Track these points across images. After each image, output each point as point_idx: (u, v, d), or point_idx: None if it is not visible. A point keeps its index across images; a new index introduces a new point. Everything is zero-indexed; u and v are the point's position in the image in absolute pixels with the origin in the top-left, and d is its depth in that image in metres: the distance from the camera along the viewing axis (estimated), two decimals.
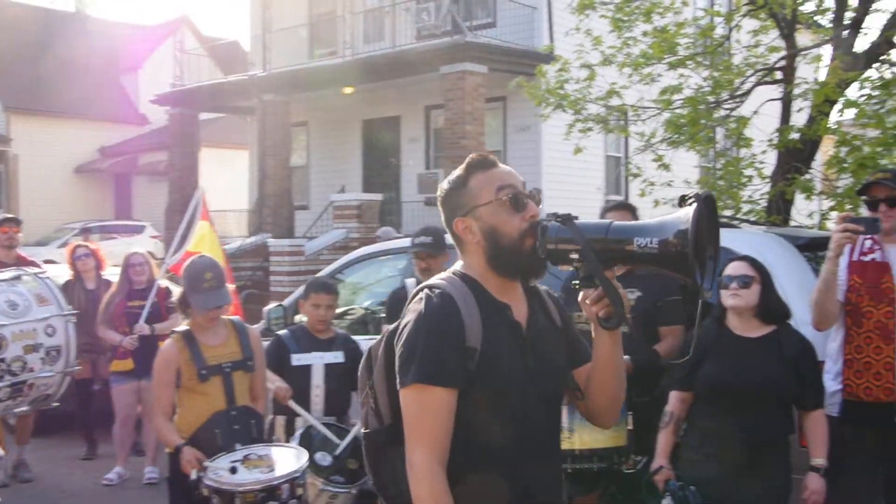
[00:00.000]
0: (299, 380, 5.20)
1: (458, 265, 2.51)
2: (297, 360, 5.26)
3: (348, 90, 18.46)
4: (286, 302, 6.61)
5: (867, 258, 4.23)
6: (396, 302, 5.41)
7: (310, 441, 4.86)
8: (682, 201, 2.22)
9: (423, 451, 2.28)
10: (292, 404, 5.08)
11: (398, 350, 2.37)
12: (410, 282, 5.46)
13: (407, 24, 18.49)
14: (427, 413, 2.29)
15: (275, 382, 5.05)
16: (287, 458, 4.21)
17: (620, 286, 2.29)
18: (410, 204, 18.15)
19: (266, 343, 5.21)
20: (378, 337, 2.60)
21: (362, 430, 2.59)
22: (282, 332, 5.52)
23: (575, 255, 2.28)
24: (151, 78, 30.02)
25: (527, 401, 2.40)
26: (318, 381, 5.24)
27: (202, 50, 26.32)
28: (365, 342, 5.67)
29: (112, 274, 7.96)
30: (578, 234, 2.27)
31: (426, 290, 2.41)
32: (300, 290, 6.45)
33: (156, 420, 4.54)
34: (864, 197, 4.33)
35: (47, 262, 11.74)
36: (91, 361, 7.63)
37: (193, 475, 4.09)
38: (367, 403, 2.55)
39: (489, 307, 2.39)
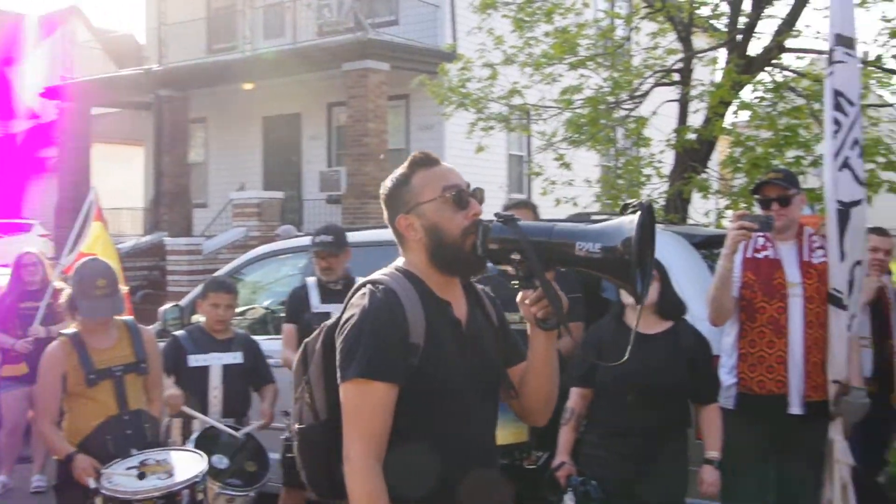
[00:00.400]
0: (197, 381, 5.11)
1: (398, 262, 2.52)
2: (195, 360, 5.16)
3: (248, 86, 18.21)
4: (183, 302, 6.48)
5: (760, 255, 4.37)
6: (297, 301, 5.39)
7: (207, 444, 4.74)
8: (625, 209, 2.25)
9: (361, 446, 2.28)
10: (186, 409, 4.98)
11: (340, 344, 2.37)
12: (311, 281, 5.42)
13: (308, 20, 18.32)
14: (366, 408, 2.29)
15: (168, 390, 4.91)
16: (186, 463, 4.12)
17: (558, 288, 2.30)
18: (312, 202, 18.00)
19: (162, 344, 5.10)
20: (309, 336, 2.61)
21: (297, 426, 2.54)
22: (178, 332, 5.42)
23: (516, 256, 2.28)
24: (39, 70, 29.03)
25: (467, 398, 2.42)
26: (216, 382, 5.16)
27: (94, 42, 25.58)
28: (265, 342, 5.67)
29: (1, 275, 7.70)
30: (521, 235, 2.28)
31: (369, 286, 2.43)
32: (198, 289, 6.34)
33: (43, 427, 4.34)
34: (757, 196, 4.47)
35: None
36: None
37: (92, 484, 3.97)
38: (301, 398, 2.53)
39: (431, 304, 2.40)
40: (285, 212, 17.53)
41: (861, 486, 4.67)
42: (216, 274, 6.49)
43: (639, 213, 2.19)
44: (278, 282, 6.88)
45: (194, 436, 4.84)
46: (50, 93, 21.87)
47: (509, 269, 2.33)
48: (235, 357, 5.24)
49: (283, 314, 5.69)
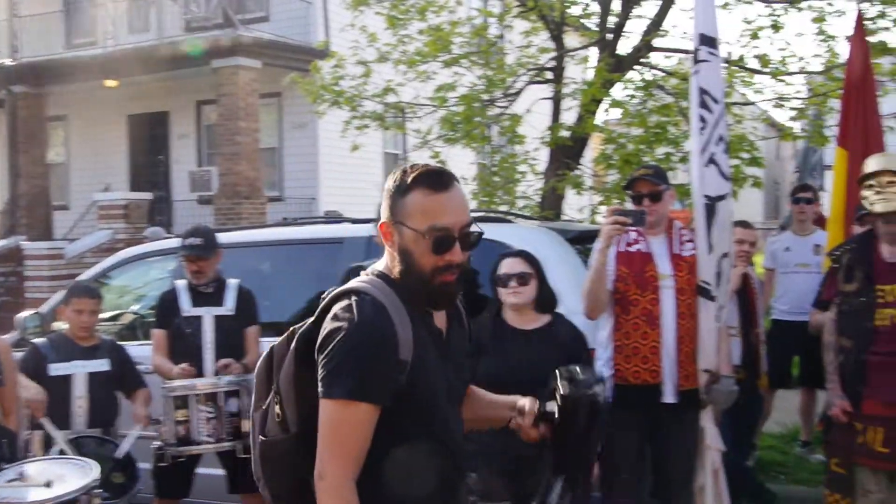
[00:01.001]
0: (59, 391, 4.93)
1: (378, 264, 2.43)
2: (56, 369, 5.01)
3: (111, 83, 17.64)
4: (43, 309, 6.28)
5: (633, 249, 4.49)
6: (166, 305, 5.29)
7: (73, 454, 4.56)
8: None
9: (338, 466, 2.21)
10: (46, 424, 4.77)
11: (324, 359, 2.24)
12: (181, 284, 5.31)
13: (175, 15, 17.89)
14: (348, 428, 2.22)
15: (29, 390, 4.74)
16: (70, 471, 3.94)
17: None
18: (182, 203, 17.60)
19: (21, 353, 4.94)
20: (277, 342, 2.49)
21: (261, 438, 2.44)
22: (39, 340, 5.24)
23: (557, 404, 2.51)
24: None
25: (447, 408, 2.40)
26: (80, 391, 5.02)
27: None
28: (135, 348, 5.53)
29: None
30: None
31: (355, 297, 2.30)
32: (59, 295, 6.19)
33: None
34: (629, 192, 4.60)
35: None
36: None
37: None
38: (268, 409, 2.43)
39: (415, 315, 2.33)
40: (154, 213, 17.12)
41: (731, 471, 4.88)
42: (80, 278, 6.30)
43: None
44: (147, 286, 6.73)
45: (56, 448, 4.68)
46: None
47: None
48: (101, 364, 5.11)
49: (152, 319, 5.58)
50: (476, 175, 9.95)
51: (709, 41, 4.58)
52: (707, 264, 4.46)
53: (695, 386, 4.43)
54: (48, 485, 3.78)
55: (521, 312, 4.25)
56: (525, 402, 2.60)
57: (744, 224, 5.97)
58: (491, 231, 5.23)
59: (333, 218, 6.76)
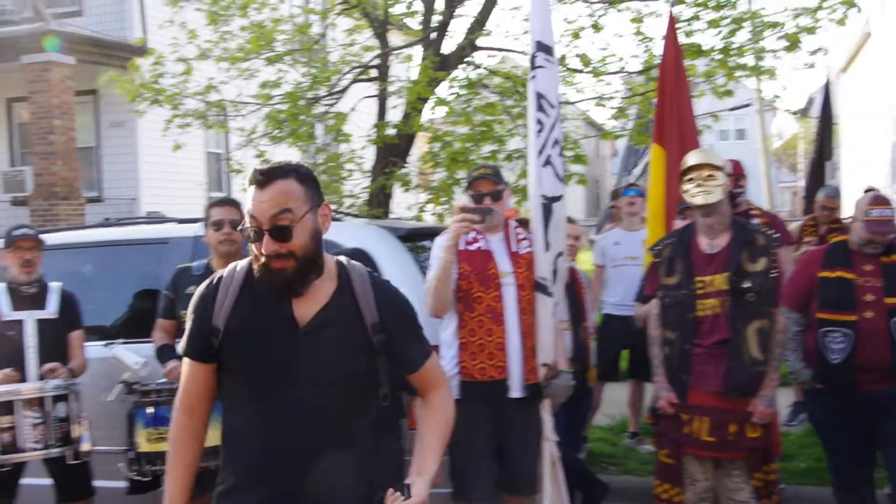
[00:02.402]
0: None
1: None
2: None
3: None
4: None
5: (473, 247, 4.42)
6: None
7: None
8: None
9: (177, 401, 2.67)
10: None
11: None
12: None
13: None
14: (183, 371, 2.66)
15: None
16: None
17: None
18: None
19: None
20: None
21: None
22: None
23: None
24: None
25: (284, 387, 2.48)
26: None
27: None
28: None
29: None
30: None
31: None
32: None
33: None
34: (469, 191, 4.51)
35: None
36: None
37: None
38: None
39: (261, 295, 2.52)
40: None
41: (566, 463, 4.85)
42: None
43: None
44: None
45: None
46: None
47: None
48: None
49: None
50: None
51: (545, 48, 4.67)
52: (544, 261, 4.50)
53: (538, 380, 4.44)
54: None
55: None
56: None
57: (568, 220, 5.93)
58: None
59: (157, 218, 6.34)
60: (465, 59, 8.52)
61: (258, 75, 9.08)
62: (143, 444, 4.40)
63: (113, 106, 15.59)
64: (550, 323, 4.49)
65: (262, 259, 2.45)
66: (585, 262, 8.75)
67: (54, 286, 5.04)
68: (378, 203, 8.34)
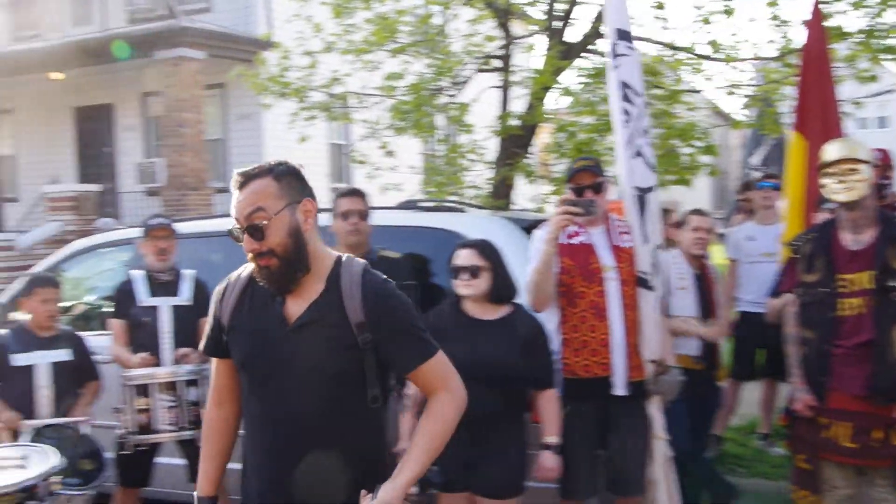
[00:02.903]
0: (22, 381, 4.79)
1: None
2: (18, 360, 4.86)
3: (56, 76, 16.95)
4: (1, 299, 6.11)
5: (574, 241, 4.30)
6: (123, 295, 5.12)
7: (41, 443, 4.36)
8: None
9: (209, 396, 2.86)
10: (24, 424, 4.63)
11: None
12: (137, 274, 5.15)
13: (118, 7, 17.27)
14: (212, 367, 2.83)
15: (2, 413, 4.72)
16: (33, 457, 3.84)
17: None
18: (130, 194, 16.98)
19: None
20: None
21: None
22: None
23: None
24: None
25: (279, 380, 2.58)
26: (43, 381, 4.87)
27: None
28: (92, 338, 5.29)
29: None
30: None
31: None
32: (14, 286, 6.09)
33: None
34: (570, 184, 4.39)
35: None
36: None
37: None
38: None
39: (263, 294, 2.64)
40: (102, 205, 16.48)
41: (690, 463, 4.79)
42: (35, 269, 6.16)
43: None
44: (101, 276, 6.56)
45: (27, 436, 4.54)
46: None
47: None
48: (62, 354, 4.95)
49: (106, 309, 5.43)
50: (424, 164, 9.62)
51: (625, 35, 4.54)
52: (643, 255, 4.36)
53: (643, 377, 4.29)
54: (10, 470, 3.74)
55: (478, 303, 4.02)
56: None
57: (699, 212, 5.73)
58: (444, 221, 5.07)
59: None
60: (590, 48, 8.32)
61: (382, 67, 9.08)
62: None
63: (240, 99, 15.98)
64: (655, 318, 4.32)
65: (253, 257, 2.55)
66: (716, 256, 8.43)
67: (188, 274, 5.18)
68: (501, 194, 8.25)
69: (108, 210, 16.67)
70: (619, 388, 4.19)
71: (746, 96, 8.19)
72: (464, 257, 3.99)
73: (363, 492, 2.46)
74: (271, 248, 2.51)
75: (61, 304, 5.26)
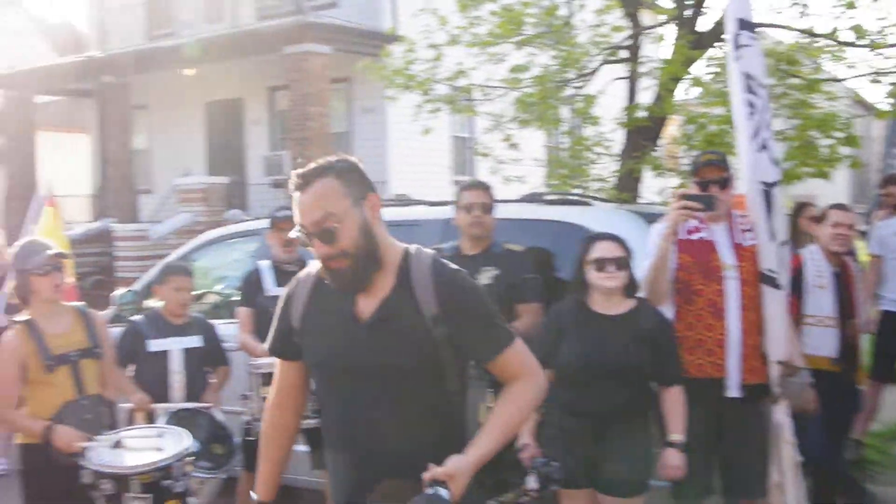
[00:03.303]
0: (157, 366, 4.93)
1: None
2: (155, 345, 4.98)
3: (189, 72, 17.56)
4: (136, 287, 6.24)
5: (694, 237, 4.17)
6: (250, 284, 5.22)
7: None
8: None
9: (269, 396, 2.80)
10: (158, 408, 4.76)
11: None
12: (264, 264, 5.24)
13: (247, 4, 17.76)
14: (276, 367, 2.78)
15: (135, 394, 4.80)
16: (168, 439, 3.93)
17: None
18: (257, 186, 17.48)
19: (118, 330, 4.93)
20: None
21: None
22: (136, 318, 5.23)
23: None
24: None
25: (351, 381, 2.52)
26: (177, 366, 4.99)
27: (34, 30, 24.58)
28: (221, 326, 5.40)
29: None
30: None
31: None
32: (150, 274, 6.28)
33: (6, 415, 4.15)
34: (695, 178, 4.26)
35: None
36: None
37: (82, 444, 3.83)
38: None
39: (325, 294, 2.57)
40: (230, 197, 16.99)
41: (825, 468, 4.70)
42: (168, 259, 6.31)
43: None
44: (229, 266, 6.73)
45: (161, 420, 4.63)
46: None
47: None
48: (194, 341, 5.09)
49: (236, 298, 5.52)
50: (548, 157, 9.52)
51: (747, 25, 4.34)
52: (770, 252, 4.16)
53: (759, 380, 4.12)
54: (145, 451, 3.82)
55: (608, 297, 3.95)
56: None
57: (840, 206, 5.46)
58: (569, 214, 4.98)
59: (407, 201, 6.45)
60: (723, 37, 8.04)
61: (507, 59, 9.00)
62: None
63: (365, 93, 16.21)
64: (782, 317, 4.14)
65: (324, 259, 2.47)
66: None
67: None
68: (627, 187, 8.09)
69: (236, 202, 17.20)
70: (733, 390, 4.07)
71: (892, 84, 7.74)
72: (608, 249, 3.92)
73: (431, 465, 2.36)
74: (345, 250, 2.42)
75: (193, 293, 5.39)
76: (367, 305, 2.51)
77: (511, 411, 2.52)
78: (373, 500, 2.44)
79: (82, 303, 4.57)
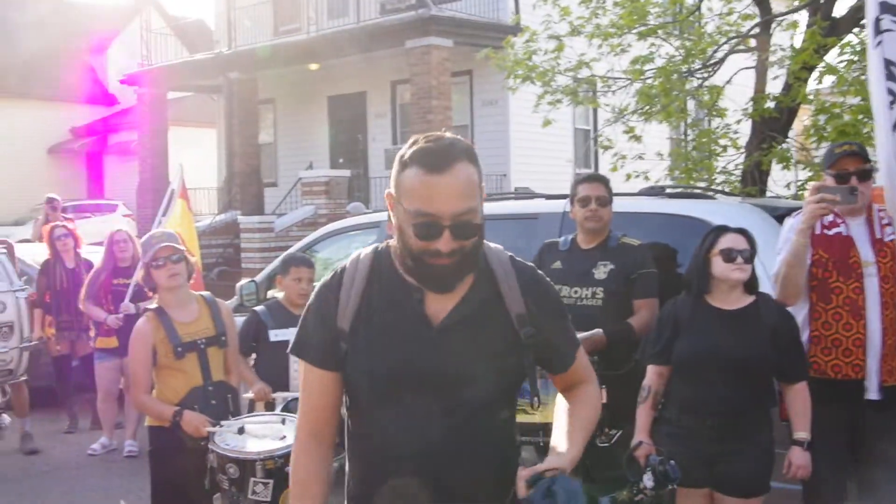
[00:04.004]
0: (278, 356, 4.93)
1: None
2: (276, 335, 5.04)
3: (314, 66, 17.95)
4: (259, 278, 6.44)
5: (831, 232, 3.96)
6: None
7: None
8: None
9: (300, 420, 2.29)
10: (277, 396, 4.83)
11: None
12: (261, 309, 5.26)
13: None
14: (303, 384, 2.27)
15: (255, 384, 4.90)
16: (287, 429, 3.97)
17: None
18: (378, 179, 17.74)
19: (240, 319, 5.04)
20: None
21: None
22: (258, 307, 5.29)
23: None
24: (120, 58, 29.32)
25: (411, 393, 2.14)
26: None
27: (168, 29, 25.58)
28: None
29: (90, 252, 8.05)
30: None
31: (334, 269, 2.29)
32: (273, 265, 6.39)
33: (139, 398, 4.36)
34: (830, 170, 4.03)
35: (22, 241, 11.49)
36: (70, 339, 7.73)
37: (210, 428, 3.99)
38: None
39: (391, 288, 2.19)
40: (352, 189, 17.30)
41: None
42: (291, 250, 6.41)
43: None
44: (349, 258, 6.75)
45: (279, 407, 4.69)
46: (129, 79, 21.95)
47: None
48: None
49: None
50: (672, 150, 9.35)
51: (890, 8, 4.08)
52: None
53: None
54: (268, 438, 3.89)
55: (729, 292, 3.85)
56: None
57: None
58: (693, 208, 4.89)
59: (527, 194, 6.44)
60: (861, 22, 7.73)
61: (629, 50, 8.90)
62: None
63: (486, 85, 16.26)
64: None
65: (421, 254, 2.08)
66: None
67: None
68: (753, 180, 7.88)
69: (357, 194, 17.50)
70: (873, 393, 3.88)
71: None
72: (735, 241, 3.84)
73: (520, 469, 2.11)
74: (471, 247, 2.11)
75: (314, 283, 5.52)
76: (438, 305, 2.17)
77: (591, 417, 2.29)
78: None
79: (209, 292, 4.73)
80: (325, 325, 2.19)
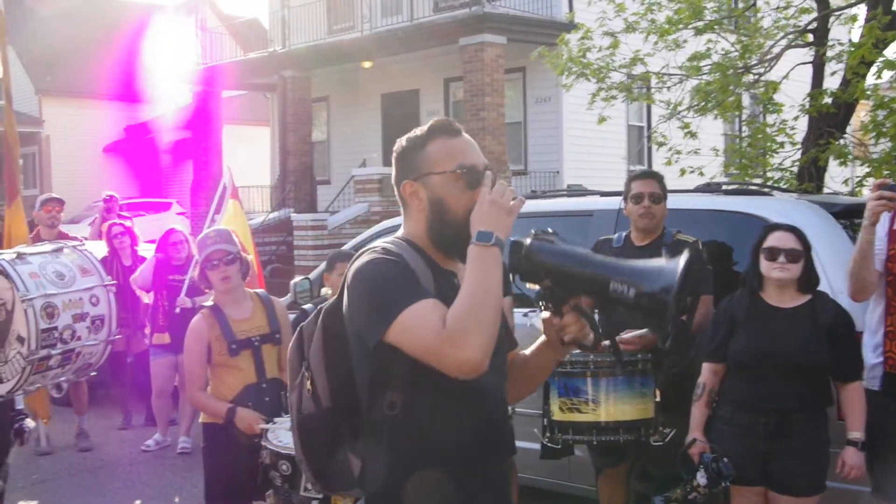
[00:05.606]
0: None
1: (399, 232, 2.35)
2: None
3: (367, 64, 18.10)
4: (312, 275, 6.52)
5: None
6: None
7: None
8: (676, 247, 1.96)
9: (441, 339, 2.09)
10: None
11: (351, 314, 2.20)
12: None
13: None
14: (423, 321, 2.06)
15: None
16: None
17: (588, 311, 2.20)
18: None
19: (292, 316, 5.07)
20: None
21: (296, 414, 2.40)
22: (307, 306, 5.37)
23: (546, 281, 2.16)
24: (175, 57, 29.76)
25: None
26: None
27: (223, 28, 25.93)
28: None
29: (146, 250, 8.22)
30: (555, 259, 2.15)
31: (372, 251, 2.24)
32: (325, 264, 6.38)
33: (194, 395, 4.46)
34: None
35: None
36: (126, 336, 7.79)
37: (262, 425, 4.07)
38: (300, 386, 2.39)
39: (437, 273, 2.25)
40: None
41: None
42: (342, 248, 6.49)
43: (684, 260, 2.03)
44: (373, 251, 6.81)
45: None
46: (184, 79, 22.33)
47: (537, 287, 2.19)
48: None
49: None
50: (727, 146, 9.29)
51: None
52: None
53: None
54: None
55: (782, 290, 3.89)
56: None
57: None
58: (748, 204, 4.91)
59: (581, 191, 6.46)
60: None
61: (685, 46, 8.88)
62: (556, 413, 4.33)
63: (539, 82, 16.26)
64: None
65: (468, 214, 2.16)
66: None
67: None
68: (810, 176, 7.81)
69: None
70: None
71: None
72: (782, 239, 3.87)
73: None
74: None
75: None
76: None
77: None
78: None
79: (263, 290, 4.82)
80: (414, 284, 2.16)
